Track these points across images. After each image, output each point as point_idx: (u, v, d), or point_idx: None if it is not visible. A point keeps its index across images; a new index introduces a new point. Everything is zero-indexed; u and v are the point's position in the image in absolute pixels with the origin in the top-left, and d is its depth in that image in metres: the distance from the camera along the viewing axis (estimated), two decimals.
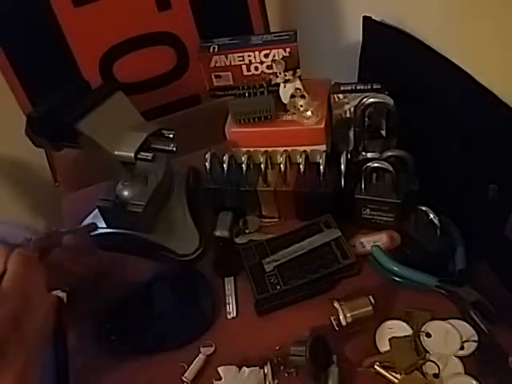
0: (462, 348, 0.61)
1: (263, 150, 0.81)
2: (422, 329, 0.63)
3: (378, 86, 0.78)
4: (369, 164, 0.72)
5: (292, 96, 0.79)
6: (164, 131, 0.73)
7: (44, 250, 0.63)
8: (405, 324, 0.64)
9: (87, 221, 0.83)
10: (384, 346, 0.62)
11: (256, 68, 0.81)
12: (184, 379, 0.63)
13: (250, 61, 0.81)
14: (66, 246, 0.68)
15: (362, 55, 0.88)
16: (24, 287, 0.54)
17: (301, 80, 0.79)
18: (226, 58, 0.81)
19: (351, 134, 0.80)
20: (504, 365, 0.58)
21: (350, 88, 0.80)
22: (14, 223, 0.69)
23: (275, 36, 0.81)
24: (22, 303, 0.53)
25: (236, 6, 1.07)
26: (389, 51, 0.82)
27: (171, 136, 0.73)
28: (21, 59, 0.99)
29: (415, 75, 0.76)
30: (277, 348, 0.64)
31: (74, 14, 0.98)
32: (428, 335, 0.63)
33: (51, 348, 0.62)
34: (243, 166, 0.79)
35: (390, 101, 0.73)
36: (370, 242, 0.74)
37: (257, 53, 0.80)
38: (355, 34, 0.88)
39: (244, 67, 0.82)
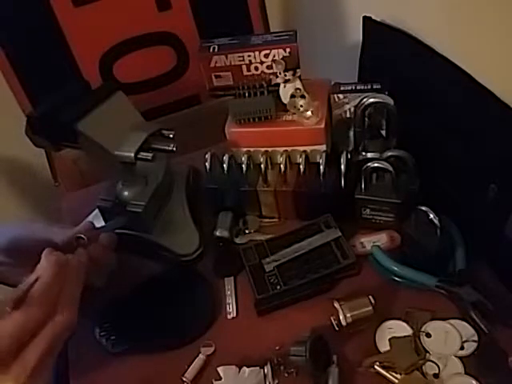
0: (462, 348, 0.61)
1: (263, 149, 0.81)
2: (422, 329, 0.63)
3: (378, 86, 0.78)
4: (369, 164, 0.72)
5: (292, 96, 0.79)
6: (164, 131, 0.73)
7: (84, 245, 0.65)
8: (405, 324, 0.64)
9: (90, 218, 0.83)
10: (384, 346, 0.62)
11: (256, 68, 0.81)
12: (184, 379, 0.63)
13: (250, 61, 0.81)
14: (101, 243, 0.69)
15: (362, 55, 0.88)
16: (51, 298, 0.55)
17: (301, 80, 0.79)
18: (226, 58, 0.81)
19: (351, 133, 0.80)
20: (504, 365, 0.58)
21: (350, 88, 0.80)
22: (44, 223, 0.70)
23: (275, 36, 0.81)
24: (46, 312, 0.54)
25: (236, 5, 1.07)
26: (389, 51, 0.82)
27: (171, 136, 0.73)
28: (21, 59, 1.00)
29: (415, 75, 0.76)
30: (277, 348, 0.64)
31: (74, 13, 0.98)
32: (428, 335, 0.63)
33: None
34: (243, 166, 0.79)
35: (390, 101, 0.73)
36: (370, 242, 0.74)
37: (257, 53, 0.80)
38: (355, 34, 0.88)
39: (244, 67, 0.81)
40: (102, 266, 0.68)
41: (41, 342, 0.52)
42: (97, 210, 0.79)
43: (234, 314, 0.70)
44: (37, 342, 0.52)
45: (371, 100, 0.73)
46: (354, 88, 0.79)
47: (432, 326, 0.63)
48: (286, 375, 0.62)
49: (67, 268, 0.57)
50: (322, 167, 0.75)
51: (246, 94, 0.79)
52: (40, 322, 0.53)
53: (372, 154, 0.77)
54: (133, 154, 0.69)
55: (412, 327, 0.63)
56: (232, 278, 0.74)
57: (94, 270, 0.66)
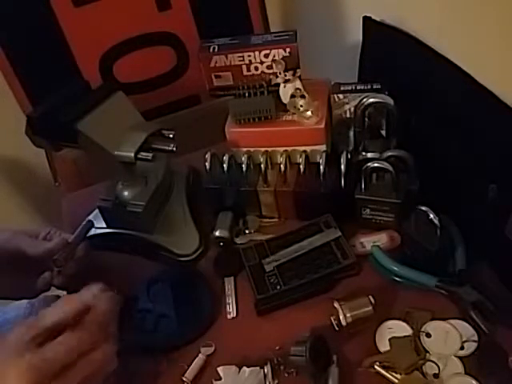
0: (462, 348, 0.61)
1: (263, 149, 0.81)
2: (422, 329, 0.63)
3: (378, 86, 0.78)
4: (369, 164, 0.72)
5: (292, 96, 0.79)
6: (164, 131, 0.73)
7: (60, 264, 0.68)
8: (405, 324, 0.64)
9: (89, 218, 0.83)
10: (384, 346, 0.62)
11: (256, 68, 0.81)
12: (184, 379, 0.63)
13: (250, 61, 0.81)
14: (77, 258, 0.72)
15: (362, 55, 0.88)
16: (103, 329, 0.56)
17: (301, 80, 0.79)
18: (226, 57, 0.81)
19: (351, 134, 0.80)
20: (504, 365, 0.58)
21: (350, 88, 0.80)
22: (23, 230, 0.71)
23: (275, 36, 0.81)
24: (95, 341, 0.55)
25: (236, 5, 1.07)
26: (389, 51, 0.82)
27: (171, 136, 0.73)
28: (21, 59, 1.00)
29: (415, 75, 0.76)
30: (277, 348, 0.64)
31: (74, 13, 0.98)
32: (428, 335, 0.63)
33: None
34: (243, 166, 0.79)
35: (390, 101, 0.73)
36: (370, 242, 0.74)
37: (257, 53, 0.80)
38: (355, 34, 0.88)
39: (244, 67, 0.82)
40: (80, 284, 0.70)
41: (86, 367, 0.53)
42: (97, 210, 0.79)
43: (234, 314, 0.70)
44: (82, 366, 0.53)
45: (371, 100, 0.73)
46: (354, 88, 0.79)
47: (432, 326, 0.63)
48: (286, 375, 0.62)
49: (115, 307, 0.59)
50: (322, 167, 0.75)
51: (246, 94, 0.79)
52: (89, 347, 0.54)
53: (372, 154, 0.77)
54: (133, 154, 0.69)
55: (412, 327, 0.63)
56: (232, 277, 0.74)
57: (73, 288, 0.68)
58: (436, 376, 0.59)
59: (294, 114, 0.80)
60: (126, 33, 1.03)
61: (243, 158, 0.79)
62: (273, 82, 0.81)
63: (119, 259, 0.79)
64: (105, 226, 0.80)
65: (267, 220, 0.82)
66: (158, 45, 1.06)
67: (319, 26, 1.12)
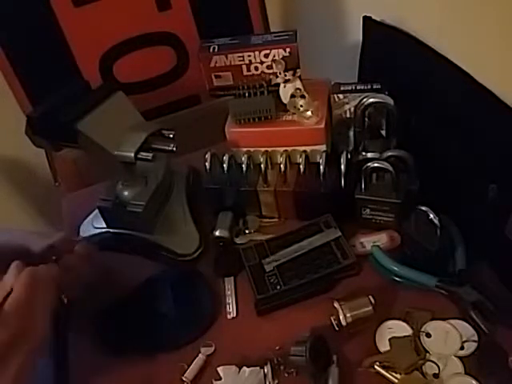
0: (462, 348, 0.61)
1: (263, 149, 0.81)
2: (422, 329, 0.63)
3: (378, 86, 0.78)
4: (369, 164, 0.72)
5: (292, 96, 0.79)
6: (164, 131, 0.73)
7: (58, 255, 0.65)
8: (405, 324, 0.64)
9: (87, 221, 0.83)
10: (384, 346, 0.62)
11: (256, 68, 0.81)
12: (184, 379, 0.63)
13: (250, 61, 0.81)
14: (77, 253, 0.69)
15: (362, 55, 0.88)
16: (26, 311, 0.55)
17: (301, 80, 0.79)
18: (226, 57, 0.81)
19: (351, 133, 0.80)
20: (504, 365, 0.58)
21: (350, 88, 0.80)
22: (26, 230, 0.70)
23: (275, 36, 0.81)
24: (22, 327, 0.53)
25: (236, 5, 1.07)
26: (389, 51, 0.82)
27: (171, 136, 0.73)
28: (21, 59, 1.00)
29: (415, 75, 0.76)
30: (277, 348, 0.64)
31: (74, 13, 0.98)
32: (428, 335, 0.63)
33: (50, 348, 0.62)
34: (243, 166, 0.79)
35: (390, 101, 0.73)
36: (370, 242, 0.74)
37: (257, 53, 0.80)
38: (355, 34, 0.88)
39: (244, 67, 0.82)
40: (75, 277, 0.67)
41: (17, 358, 0.52)
42: (97, 210, 0.79)
43: (234, 314, 0.70)
44: (13, 358, 0.52)
45: (371, 100, 0.73)
46: (354, 88, 0.79)
47: (432, 326, 0.63)
48: (286, 375, 0.62)
49: (38, 280, 0.57)
50: (321, 167, 0.75)
51: (246, 94, 0.79)
52: (16, 336, 0.53)
53: (372, 154, 0.77)
54: (133, 154, 0.69)
55: (412, 327, 0.63)
56: (232, 278, 0.74)
57: (66, 281, 0.65)
58: (436, 376, 0.59)
59: (293, 114, 0.80)
60: (126, 33, 1.03)
61: (243, 158, 0.79)
62: (273, 82, 0.81)
63: (119, 259, 0.79)
64: (104, 225, 0.80)
65: (267, 220, 0.82)
66: (158, 45, 1.06)
67: (319, 26, 1.12)
